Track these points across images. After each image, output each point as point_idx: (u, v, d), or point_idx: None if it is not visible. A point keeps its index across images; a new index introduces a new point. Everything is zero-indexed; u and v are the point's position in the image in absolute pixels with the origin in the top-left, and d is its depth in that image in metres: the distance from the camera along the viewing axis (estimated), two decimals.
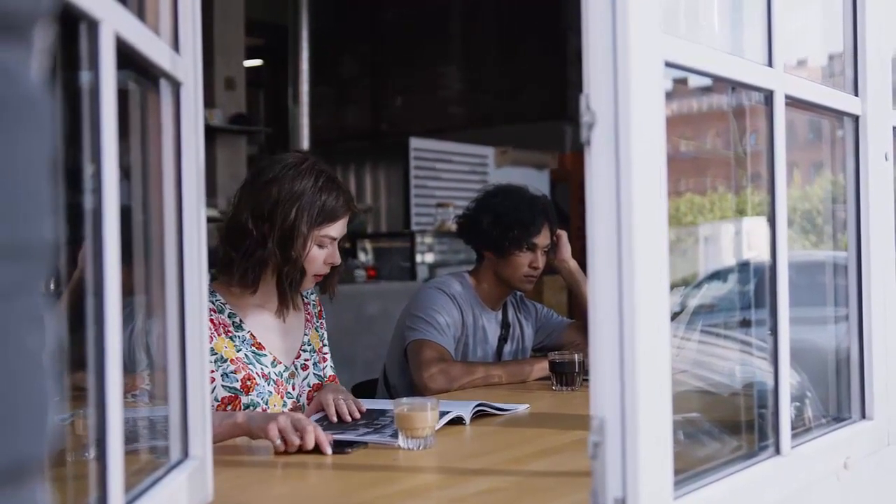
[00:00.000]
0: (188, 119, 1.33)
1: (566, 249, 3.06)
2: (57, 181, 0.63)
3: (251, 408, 2.17)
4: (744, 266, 1.90)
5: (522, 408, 2.34)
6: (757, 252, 1.72)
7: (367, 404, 2.22)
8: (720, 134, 1.96)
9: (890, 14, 1.84)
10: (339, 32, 9.70)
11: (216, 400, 2.16)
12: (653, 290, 1.13)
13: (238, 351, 2.22)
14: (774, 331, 1.48)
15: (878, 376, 1.78)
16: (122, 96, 1.08)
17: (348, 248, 6.68)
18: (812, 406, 1.76)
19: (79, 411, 1.33)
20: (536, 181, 6.73)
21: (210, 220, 1.44)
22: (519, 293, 3.14)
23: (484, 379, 2.76)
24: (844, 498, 1.67)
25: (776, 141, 1.48)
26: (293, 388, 2.31)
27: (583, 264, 2.75)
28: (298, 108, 7.71)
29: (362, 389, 3.10)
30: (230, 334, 2.23)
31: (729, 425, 1.65)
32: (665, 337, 1.17)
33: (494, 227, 2.92)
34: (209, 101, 6.70)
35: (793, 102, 1.53)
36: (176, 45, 1.31)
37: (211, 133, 6.87)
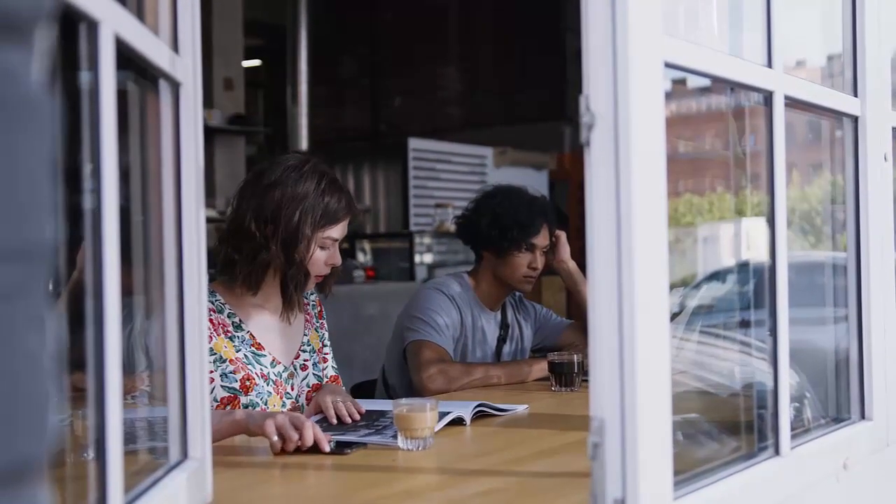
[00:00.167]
0: (187, 119, 1.33)
1: (565, 250, 3.06)
2: (57, 182, 0.63)
3: (250, 408, 2.17)
4: (743, 267, 1.90)
5: (522, 408, 2.34)
6: (756, 253, 1.72)
7: (367, 405, 2.22)
8: (719, 134, 1.96)
9: (889, 15, 1.84)
10: (338, 33, 9.70)
11: (215, 400, 2.16)
12: (652, 290, 1.13)
13: (237, 351, 2.22)
14: (774, 331, 1.48)
15: (878, 377, 1.78)
16: (122, 97, 1.08)
17: (346, 248, 6.68)
18: (811, 406, 1.76)
19: (77, 412, 1.33)
20: (535, 181, 6.73)
21: (209, 220, 1.44)
22: (518, 294, 3.13)
23: (483, 380, 2.76)
24: (844, 498, 1.67)
25: (775, 142, 1.48)
26: (292, 389, 2.31)
27: (582, 265, 2.75)
28: (297, 109, 7.71)
29: (361, 390, 3.10)
30: (229, 334, 2.23)
31: (728, 426, 1.65)
32: (665, 338, 1.16)
33: (493, 227, 2.92)
34: (208, 102, 6.70)
35: (792, 103, 1.53)
36: (175, 45, 1.31)
37: (209, 133, 6.87)
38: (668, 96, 1.20)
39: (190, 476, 1.30)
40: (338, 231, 2.26)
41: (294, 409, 2.29)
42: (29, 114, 0.59)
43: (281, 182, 2.20)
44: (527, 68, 9.00)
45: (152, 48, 1.18)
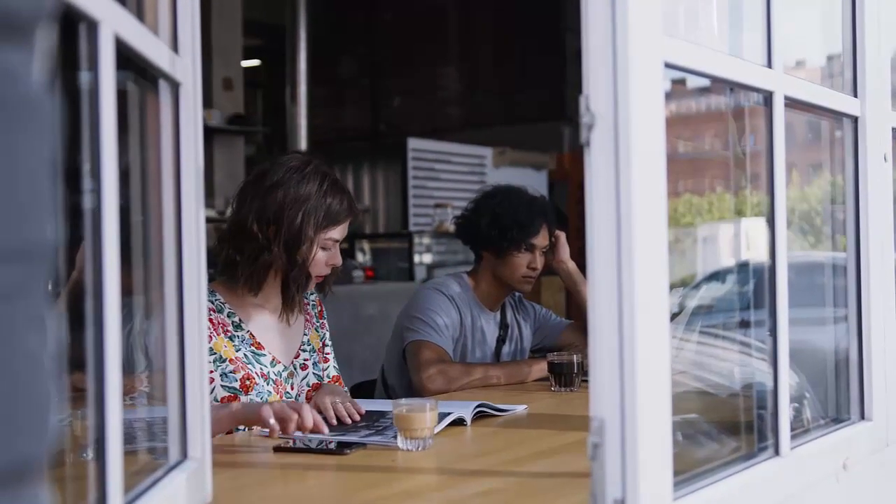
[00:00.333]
0: (187, 119, 1.33)
1: (564, 250, 3.06)
2: (57, 182, 0.63)
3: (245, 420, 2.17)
4: (742, 267, 1.90)
5: (521, 409, 2.34)
6: (756, 253, 1.71)
7: (367, 405, 2.22)
8: (718, 135, 1.96)
9: (889, 15, 1.84)
10: (338, 33, 9.70)
11: (215, 400, 2.16)
12: (652, 290, 1.13)
13: (237, 351, 2.22)
14: (774, 332, 1.48)
15: (878, 377, 1.78)
16: (121, 97, 1.08)
17: (346, 248, 6.67)
18: (811, 407, 1.76)
19: (77, 412, 1.33)
20: (534, 182, 6.72)
21: (208, 220, 1.44)
22: (517, 294, 3.13)
23: (482, 380, 2.76)
24: (844, 499, 1.67)
25: (775, 142, 1.48)
26: (292, 388, 2.31)
27: (581, 265, 2.75)
28: (296, 109, 7.70)
29: (361, 390, 3.10)
30: (229, 334, 2.23)
31: (728, 426, 1.65)
32: (665, 338, 1.16)
33: (493, 227, 2.92)
34: (207, 102, 6.69)
35: (792, 103, 1.53)
36: (175, 45, 1.31)
37: (209, 133, 6.86)
38: (668, 96, 1.20)
39: (189, 476, 1.30)
40: (339, 232, 2.27)
41: None
42: (29, 114, 0.58)
43: (283, 183, 2.21)
44: (527, 68, 9.00)
45: (152, 48, 1.17)
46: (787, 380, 1.48)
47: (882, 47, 1.82)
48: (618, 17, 1.11)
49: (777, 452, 1.47)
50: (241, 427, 2.18)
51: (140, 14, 1.19)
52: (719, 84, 1.53)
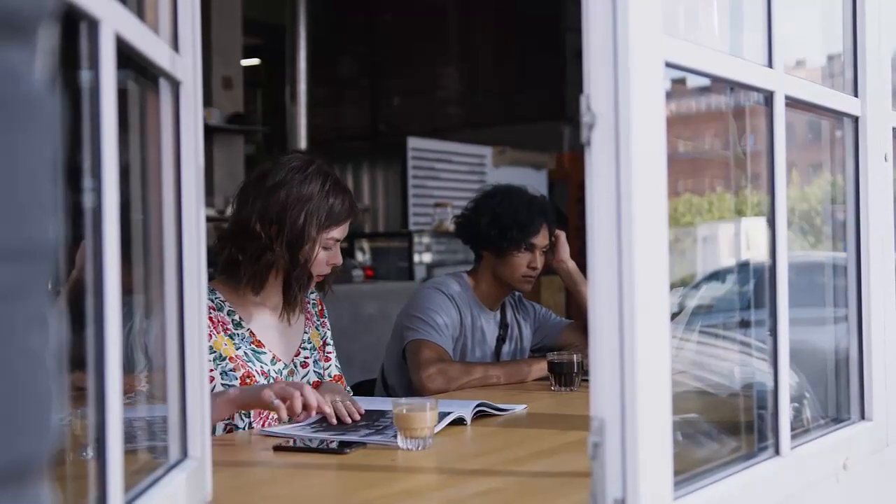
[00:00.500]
0: (187, 118, 1.33)
1: (564, 250, 3.06)
2: (59, 181, 0.63)
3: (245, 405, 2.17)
4: (743, 267, 1.90)
5: (521, 408, 2.34)
6: (756, 253, 1.71)
7: (367, 404, 2.22)
8: (718, 134, 1.96)
9: (889, 15, 1.84)
10: (337, 32, 9.70)
11: None
12: (653, 290, 1.13)
13: (237, 349, 2.23)
14: (774, 331, 1.48)
15: (878, 377, 1.78)
16: (122, 96, 1.08)
17: (346, 247, 6.67)
18: (811, 407, 1.76)
19: (76, 411, 1.33)
20: (534, 181, 6.72)
21: (207, 219, 1.44)
22: (517, 293, 3.13)
23: (482, 379, 2.76)
24: (844, 499, 1.67)
25: (776, 142, 1.48)
26: None
27: (581, 264, 2.75)
28: (296, 108, 7.70)
29: (360, 390, 3.09)
30: (229, 332, 2.24)
31: (728, 426, 1.65)
32: (665, 337, 1.16)
33: (493, 227, 2.92)
34: (207, 101, 6.69)
35: (793, 103, 1.53)
36: (175, 44, 1.31)
37: (208, 132, 6.86)
38: (668, 96, 1.20)
39: (189, 475, 1.30)
40: (341, 231, 2.29)
41: None
42: (31, 113, 0.58)
43: (286, 183, 2.22)
44: (527, 68, 9.00)
45: (152, 47, 1.17)
46: (788, 379, 1.48)
47: (882, 47, 1.82)
48: (618, 16, 1.11)
49: (777, 452, 1.47)
50: (242, 426, 2.19)
51: (141, 13, 1.19)
52: (719, 84, 1.53)
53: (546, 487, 1.63)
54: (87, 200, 0.94)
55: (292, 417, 2.00)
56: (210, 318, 2.19)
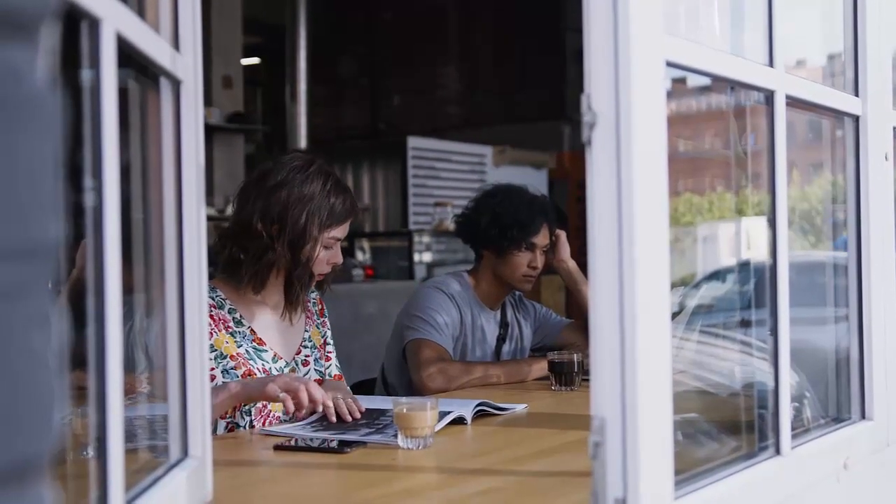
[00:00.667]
0: (188, 117, 1.33)
1: (565, 249, 3.06)
2: (60, 180, 0.63)
3: (252, 403, 2.18)
4: (743, 266, 1.89)
5: (521, 408, 2.34)
6: (756, 252, 1.71)
7: (367, 403, 2.22)
8: (719, 134, 1.96)
9: (890, 14, 1.84)
10: (337, 32, 9.70)
11: None
12: (653, 289, 1.13)
13: (239, 347, 2.23)
14: (775, 331, 1.48)
15: (878, 376, 1.78)
16: (123, 94, 1.08)
17: (345, 247, 6.66)
18: (812, 406, 1.76)
19: (76, 410, 1.33)
20: (534, 180, 6.72)
21: (208, 218, 1.44)
22: (517, 293, 3.13)
23: (482, 379, 2.76)
24: (844, 498, 1.67)
25: (777, 141, 1.48)
26: None
27: (581, 264, 2.74)
28: (296, 107, 7.70)
29: (361, 389, 3.09)
30: (230, 330, 2.24)
31: (729, 426, 1.65)
32: (666, 337, 1.16)
33: (493, 226, 2.92)
34: (207, 100, 6.68)
35: (793, 102, 1.53)
36: (176, 43, 1.31)
37: (208, 131, 6.86)
38: (669, 95, 1.20)
39: (190, 475, 1.30)
40: (342, 231, 2.30)
41: None
42: (33, 112, 0.58)
43: (287, 183, 2.22)
44: (527, 68, 9.00)
45: (153, 46, 1.17)
46: (788, 379, 1.48)
47: (883, 46, 1.82)
48: (619, 16, 1.11)
49: (778, 452, 1.47)
50: (243, 424, 2.19)
51: (141, 12, 1.18)
52: (720, 83, 1.53)
53: (546, 487, 1.63)
54: (88, 199, 0.94)
55: (296, 412, 2.01)
56: (211, 317, 2.20)
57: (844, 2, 1.79)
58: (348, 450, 1.84)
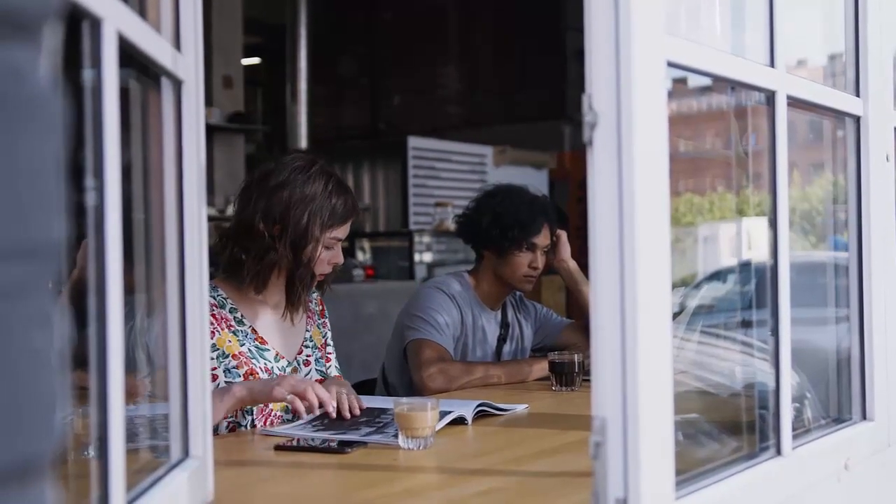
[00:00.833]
0: (189, 117, 1.33)
1: (566, 250, 3.06)
2: (63, 180, 0.63)
3: (254, 403, 2.18)
4: (744, 266, 1.90)
5: (522, 408, 2.34)
6: (757, 252, 1.71)
7: (367, 403, 2.22)
8: (720, 134, 1.96)
9: (891, 14, 1.84)
10: (338, 31, 9.70)
11: None
12: (654, 289, 1.13)
13: (241, 345, 2.24)
14: (776, 332, 1.47)
15: (879, 377, 1.78)
16: (124, 94, 1.08)
17: (346, 247, 6.66)
18: (813, 407, 1.76)
19: (77, 410, 1.33)
20: (535, 180, 6.73)
21: (208, 218, 1.44)
22: (518, 293, 3.13)
23: (483, 379, 2.76)
24: (845, 499, 1.67)
25: (778, 141, 1.48)
26: None
27: (581, 264, 2.74)
28: (296, 107, 7.71)
29: (361, 389, 3.09)
30: (233, 329, 2.24)
31: (730, 426, 1.65)
32: (666, 337, 1.16)
33: (494, 226, 2.92)
34: (207, 100, 6.66)
35: (794, 103, 1.53)
36: (177, 43, 1.31)
37: (209, 131, 6.85)
38: (669, 95, 1.20)
39: (191, 475, 1.30)
40: (343, 231, 2.30)
41: None
42: (36, 112, 0.58)
43: (289, 183, 2.23)
44: (527, 68, 9.00)
45: (155, 46, 1.17)
46: (789, 380, 1.48)
47: (884, 46, 1.82)
48: (621, 16, 1.11)
49: (779, 452, 1.47)
50: (244, 424, 2.19)
51: (143, 12, 1.18)
52: (721, 83, 1.53)
53: (547, 487, 1.63)
54: (90, 199, 0.94)
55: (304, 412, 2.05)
56: (213, 316, 2.20)
57: (845, 2, 1.79)
58: (349, 450, 1.84)
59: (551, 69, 8.60)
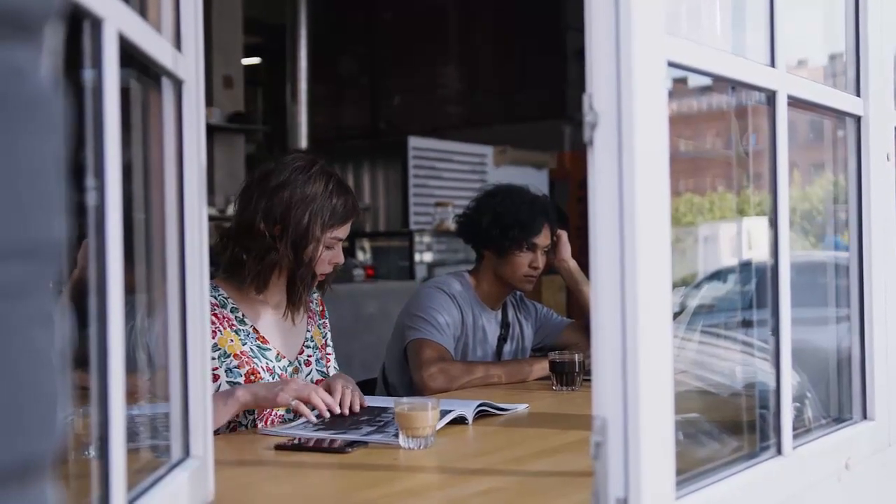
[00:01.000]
0: (190, 117, 1.33)
1: (566, 249, 3.06)
2: (64, 180, 0.63)
3: (257, 407, 2.18)
4: (744, 266, 1.90)
5: (522, 407, 2.34)
6: (757, 252, 1.71)
7: (368, 402, 2.23)
8: (720, 134, 1.96)
9: (892, 14, 1.84)
10: (338, 31, 9.70)
11: None
12: (655, 289, 1.13)
13: (243, 344, 2.24)
14: (776, 331, 1.47)
15: (880, 376, 1.78)
16: (124, 94, 1.08)
17: (346, 247, 6.66)
18: (813, 406, 1.76)
19: (78, 410, 1.33)
20: (535, 180, 6.73)
21: (209, 218, 1.44)
22: (518, 293, 3.13)
23: (483, 378, 2.76)
24: (846, 499, 1.67)
25: (778, 141, 1.48)
26: None
27: (581, 263, 2.74)
28: (297, 107, 7.71)
29: (361, 389, 3.08)
30: (234, 328, 2.25)
31: (730, 426, 1.65)
32: (667, 337, 1.16)
33: (494, 226, 2.92)
34: (207, 100, 6.66)
35: (795, 102, 1.53)
36: (178, 43, 1.31)
37: (209, 131, 6.83)
38: (670, 95, 1.20)
39: (192, 474, 1.30)
40: (343, 231, 2.31)
41: None
42: (36, 112, 0.58)
43: (290, 183, 2.23)
44: (527, 68, 9.00)
45: (155, 46, 1.17)
46: (790, 379, 1.48)
47: (885, 46, 1.82)
48: (621, 16, 1.11)
49: (779, 452, 1.47)
50: (245, 424, 2.19)
51: (143, 12, 1.18)
52: (721, 83, 1.53)
53: (547, 487, 1.63)
54: (90, 199, 0.94)
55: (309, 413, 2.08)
56: (215, 315, 2.21)
57: (846, 2, 1.79)
58: (349, 450, 1.84)
59: (551, 69, 8.60)
